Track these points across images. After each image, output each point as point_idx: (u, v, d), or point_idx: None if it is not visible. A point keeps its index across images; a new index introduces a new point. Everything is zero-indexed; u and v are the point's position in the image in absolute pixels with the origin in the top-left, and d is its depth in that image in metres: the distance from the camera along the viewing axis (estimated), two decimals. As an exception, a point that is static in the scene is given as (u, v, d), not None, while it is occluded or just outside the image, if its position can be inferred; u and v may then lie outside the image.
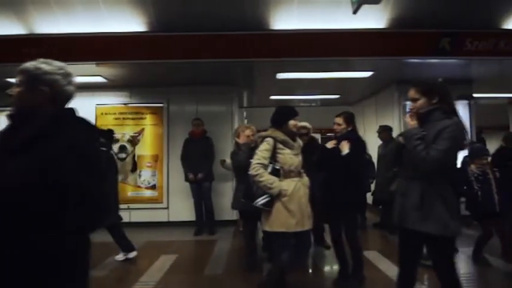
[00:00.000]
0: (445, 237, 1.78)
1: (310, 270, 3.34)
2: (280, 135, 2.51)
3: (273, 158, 2.48)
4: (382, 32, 3.98)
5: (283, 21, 3.97)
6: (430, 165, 1.75)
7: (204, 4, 3.74)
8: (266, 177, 2.38)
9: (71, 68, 1.17)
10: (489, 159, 3.30)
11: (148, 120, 5.12)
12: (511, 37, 3.96)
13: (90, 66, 4.26)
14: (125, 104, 5.15)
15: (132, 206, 5.02)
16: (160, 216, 5.05)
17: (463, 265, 3.37)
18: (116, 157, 3.48)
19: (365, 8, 3.84)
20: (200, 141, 4.54)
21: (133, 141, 5.06)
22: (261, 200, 2.45)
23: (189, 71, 4.68)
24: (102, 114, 5.10)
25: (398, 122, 5.20)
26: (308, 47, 3.96)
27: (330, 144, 2.87)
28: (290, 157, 2.48)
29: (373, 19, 3.97)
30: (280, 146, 2.49)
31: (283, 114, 2.58)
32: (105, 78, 4.63)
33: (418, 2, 3.82)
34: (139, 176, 5.06)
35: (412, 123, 1.94)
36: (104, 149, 3.14)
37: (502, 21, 4.00)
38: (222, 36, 3.93)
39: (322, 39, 3.98)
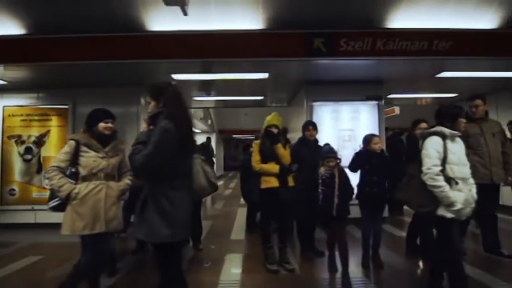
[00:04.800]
0: (160, 244, 1.76)
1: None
2: (83, 138, 2.50)
3: (76, 160, 2.48)
4: (256, 33, 3.93)
5: (159, 22, 3.96)
6: (135, 169, 1.73)
7: (74, 6, 3.75)
8: (56, 181, 2.38)
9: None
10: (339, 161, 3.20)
11: (54, 121, 5.16)
12: (388, 36, 3.87)
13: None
14: (32, 105, 5.20)
15: (36, 207, 5.07)
16: (65, 217, 5.06)
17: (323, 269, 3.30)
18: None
19: (240, 8, 3.85)
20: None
21: (39, 142, 5.11)
22: (52, 203, 2.47)
23: (91, 73, 4.72)
24: (9, 115, 5.16)
25: (306, 124, 5.13)
26: (181, 48, 3.96)
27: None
28: (94, 160, 2.48)
29: (251, 19, 3.92)
30: (84, 148, 2.48)
31: (93, 117, 2.58)
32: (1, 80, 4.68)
33: (292, 1, 3.76)
34: (45, 177, 5.10)
35: (144, 126, 1.92)
36: None
37: (379, 21, 3.91)
38: (95, 38, 3.95)
39: (198, 41, 3.96)
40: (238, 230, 4.85)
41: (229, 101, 7.13)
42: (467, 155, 2.56)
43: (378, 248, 3.32)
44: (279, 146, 3.15)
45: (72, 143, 2.48)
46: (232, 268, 3.26)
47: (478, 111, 3.54)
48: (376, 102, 5.19)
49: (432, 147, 2.38)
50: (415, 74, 4.93)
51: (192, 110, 8.86)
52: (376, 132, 5.09)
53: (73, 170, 2.45)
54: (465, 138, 3.44)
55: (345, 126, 5.17)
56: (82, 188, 2.41)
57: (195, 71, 4.62)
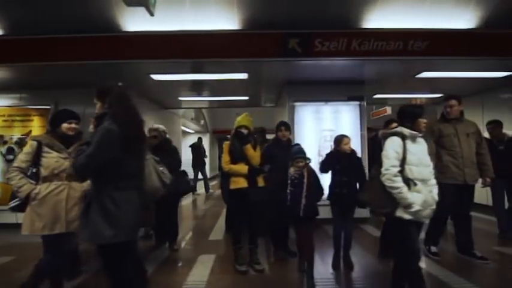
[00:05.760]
0: (104, 245, 1.75)
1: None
2: (45, 138, 2.51)
3: (38, 161, 2.49)
4: (232, 33, 3.93)
5: (136, 22, 3.96)
6: (77, 170, 1.73)
7: (48, 7, 3.76)
8: (16, 181, 2.40)
9: None
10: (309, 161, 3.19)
11: (36, 122, 5.18)
12: (364, 36, 3.86)
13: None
14: (14, 106, 5.22)
15: (18, 207, 5.08)
16: (46, 217, 5.08)
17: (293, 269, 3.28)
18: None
19: (215, 9, 3.85)
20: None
21: (21, 143, 5.13)
22: (12, 203, 2.48)
23: (73, 73, 4.74)
24: (-9, 116, 5.19)
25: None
26: (158, 48, 3.96)
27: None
28: (56, 160, 2.48)
29: (226, 20, 3.92)
30: (46, 149, 2.49)
31: (57, 117, 2.59)
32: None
33: (267, 2, 3.76)
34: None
35: (90, 127, 1.92)
36: None
37: (355, 21, 3.89)
38: (76, 39, 3.95)
39: (175, 41, 3.96)
40: (218, 231, 4.84)
41: (219, 101, 7.12)
42: (430, 154, 2.53)
43: (349, 248, 3.31)
44: (248, 146, 3.14)
45: (34, 143, 2.49)
46: (203, 269, 3.26)
47: (452, 111, 3.51)
48: (358, 102, 5.17)
49: (391, 147, 2.36)
50: (396, 75, 4.91)
51: (182, 111, 8.87)
52: (358, 133, 5.12)
53: (34, 170, 2.46)
54: (439, 138, 3.47)
55: (327, 127, 5.16)
56: (42, 188, 2.42)
57: (173, 71, 4.62)
